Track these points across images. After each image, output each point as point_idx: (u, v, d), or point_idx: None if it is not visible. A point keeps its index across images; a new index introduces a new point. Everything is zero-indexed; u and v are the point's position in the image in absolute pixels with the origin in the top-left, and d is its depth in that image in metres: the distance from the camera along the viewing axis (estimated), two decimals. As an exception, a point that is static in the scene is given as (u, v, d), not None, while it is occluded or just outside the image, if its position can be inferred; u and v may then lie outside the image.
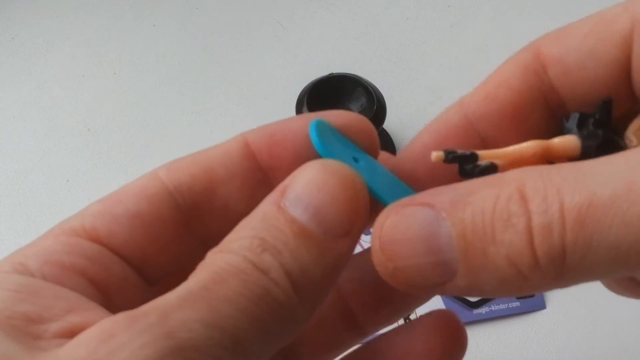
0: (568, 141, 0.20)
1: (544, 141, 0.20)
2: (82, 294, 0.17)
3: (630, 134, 0.20)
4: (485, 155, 0.20)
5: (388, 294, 0.21)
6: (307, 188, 0.17)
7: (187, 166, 0.20)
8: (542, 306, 0.49)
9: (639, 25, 0.18)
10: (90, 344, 0.15)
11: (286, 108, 0.56)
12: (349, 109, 0.53)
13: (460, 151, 0.20)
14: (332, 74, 0.53)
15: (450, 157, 0.20)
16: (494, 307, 0.49)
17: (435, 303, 0.49)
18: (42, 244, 0.19)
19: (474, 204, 0.16)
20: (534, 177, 0.16)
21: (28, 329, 0.16)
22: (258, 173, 0.20)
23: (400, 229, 0.17)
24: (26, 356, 0.15)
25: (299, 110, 0.51)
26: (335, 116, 0.20)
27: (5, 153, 0.58)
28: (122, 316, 0.15)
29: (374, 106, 0.50)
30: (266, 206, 0.17)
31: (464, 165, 0.20)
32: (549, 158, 0.20)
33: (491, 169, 0.20)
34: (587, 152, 0.20)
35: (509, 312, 0.49)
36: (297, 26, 0.65)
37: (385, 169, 0.22)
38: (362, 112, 0.51)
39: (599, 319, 0.49)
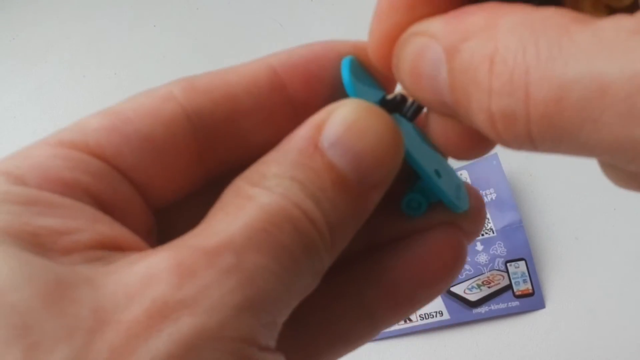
0: None
1: None
2: None
3: None
4: None
5: (407, 291, 0.20)
6: (350, 131, 0.16)
7: (209, 90, 0.18)
8: (541, 306, 0.49)
9: None
10: (171, 278, 0.14)
11: (286, 108, 0.57)
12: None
13: (389, 96, 0.19)
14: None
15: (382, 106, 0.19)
16: (494, 306, 0.49)
17: (436, 302, 0.49)
18: (36, 155, 0.17)
19: (462, 54, 0.15)
20: (512, 40, 0.14)
21: (57, 244, 0.14)
22: (287, 107, 0.18)
23: (411, 64, 0.16)
24: (82, 282, 0.13)
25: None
26: (359, 48, 0.19)
27: (5, 153, 0.58)
28: (190, 248, 0.14)
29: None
30: (301, 142, 0.16)
31: (396, 111, 0.20)
32: None
33: (419, 109, 0.19)
34: None
35: (509, 312, 0.49)
36: (297, 26, 0.65)
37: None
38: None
39: (599, 318, 0.49)
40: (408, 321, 0.48)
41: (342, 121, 0.16)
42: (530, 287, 0.50)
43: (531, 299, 0.49)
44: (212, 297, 0.13)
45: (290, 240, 0.15)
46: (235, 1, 0.68)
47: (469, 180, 0.53)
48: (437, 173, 0.23)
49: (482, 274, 0.50)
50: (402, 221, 0.20)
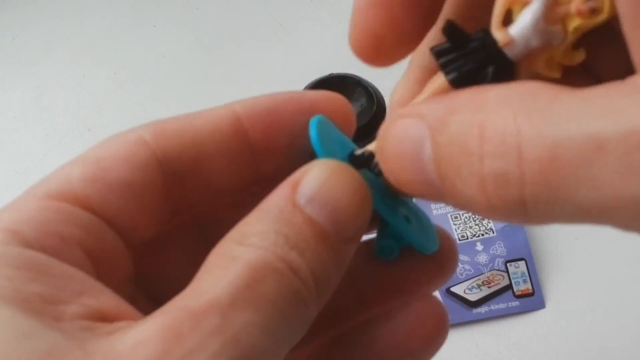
0: (433, 84, 0.18)
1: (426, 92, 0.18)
2: (81, 268, 0.17)
3: (495, 30, 0.17)
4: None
5: (398, 278, 0.22)
6: (324, 188, 0.17)
7: (177, 135, 0.19)
8: (541, 306, 0.49)
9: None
10: (158, 343, 0.14)
11: (286, 108, 0.57)
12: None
13: (358, 152, 0.20)
14: (332, 74, 0.53)
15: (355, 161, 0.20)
16: (494, 306, 0.49)
17: (435, 303, 0.49)
18: (29, 209, 0.17)
19: (450, 127, 0.15)
20: (503, 110, 0.14)
21: (47, 312, 0.15)
22: (247, 153, 0.20)
23: (395, 144, 0.17)
24: (74, 348, 0.14)
25: (299, 110, 0.51)
26: (320, 100, 0.20)
27: (5, 153, 0.58)
28: (178, 312, 0.15)
29: (374, 106, 0.50)
30: (280, 201, 0.17)
31: (365, 166, 0.20)
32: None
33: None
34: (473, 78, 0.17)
35: (509, 312, 0.49)
36: (297, 26, 0.65)
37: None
38: (362, 112, 0.51)
39: (599, 318, 0.49)
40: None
41: (316, 179, 0.17)
42: (530, 287, 0.50)
43: (531, 299, 0.49)
44: (197, 359, 0.14)
45: (274, 291, 0.15)
46: (235, 1, 0.68)
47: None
48: (407, 218, 0.24)
49: (482, 274, 0.50)
50: (388, 277, 0.22)
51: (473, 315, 0.49)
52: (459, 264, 0.50)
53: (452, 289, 0.50)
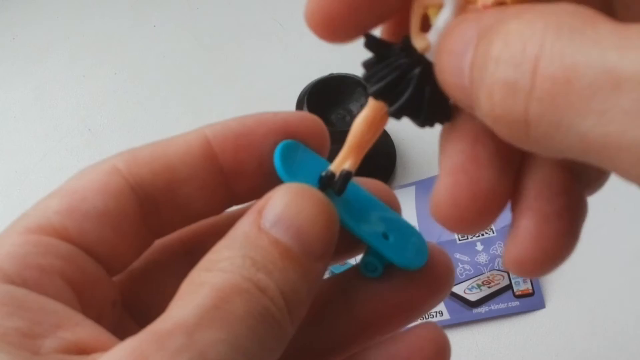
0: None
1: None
2: (62, 298, 0.17)
3: (414, 37, 0.17)
4: None
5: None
6: (287, 210, 0.18)
7: (148, 162, 0.20)
8: (541, 306, 0.49)
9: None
10: None
11: (286, 108, 0.57)
12: (349, 109, 0.53)
13: (323, 174, 0.21)
14: (332, 74, 0.53)
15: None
16: (494, 306, 0.49)
17: (435, 303, 0.49)
18: (9, 244, 0.18)
19: (488, 37, 0.14)
20: (535, 22, 0.14)
21: (24, 346, 0.15)
22: (219, 175, 0.20)
23: (451, 43, 0.16)
24: None
25: (299, 110, 0.51)
26: (292, 121, 0.21)
27: (5, 153, 0.58)
28: (146, 335, 0.15)
29: (374, 106, 0.50)
30: (245, 227, 0.18)
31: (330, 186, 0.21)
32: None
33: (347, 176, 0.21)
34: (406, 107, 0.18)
35: (509, 312, 0.49)
36: (297, 26, 0.65)
37: (354, 184, 0.23)
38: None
39: (599, 319, 0.49)
40: (408, 321, 0.48)
41: (280, 203, 0.18)
42: (530, 287, 0.50)
43: (531, 299, 0.49)
44: None
45: (242, 310, 0.16)
46: (235, 1, 0.68)
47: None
48: (385, 236, 0.24)
49: (482, 274, 0.50)
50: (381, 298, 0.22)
51: (473, 315, 0.49)
52: (459, 263, 0.50)
53: (452, 289, 0.50)
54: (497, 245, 0.51)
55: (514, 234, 0.19)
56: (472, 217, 0.18)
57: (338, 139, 0.43)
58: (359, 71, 0.20)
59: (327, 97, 0.51)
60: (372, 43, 0.19)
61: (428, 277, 0.22)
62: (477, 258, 0.51)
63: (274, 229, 0.18)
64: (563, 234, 0.18)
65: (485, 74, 0.14)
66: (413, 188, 0.53)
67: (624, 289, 0.50)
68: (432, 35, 0.17)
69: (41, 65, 0.63)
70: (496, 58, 0.14)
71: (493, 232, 0.51)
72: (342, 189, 0.22)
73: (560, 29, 0.13)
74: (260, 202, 0.18)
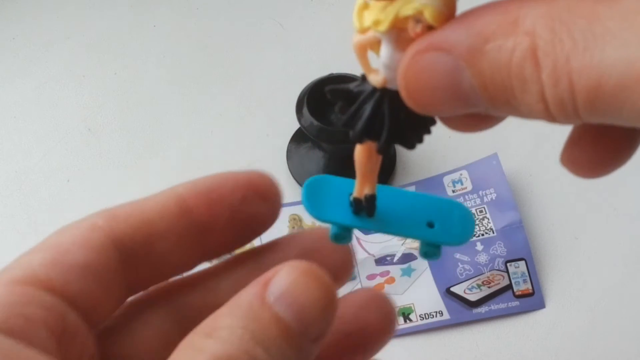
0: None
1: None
2: (46, 349, 0.18)
3: (368, 76, 0.20)
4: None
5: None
6: (292, 288, 0.19)
7: (127, 218, 0.21)
8: (541, 306, 0.49)
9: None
10: None
11: (286, 108, 0.57)
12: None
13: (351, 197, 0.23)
14: (332, 74, 0.53)
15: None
16: (494, 306, 0.49)
17: (436, 302, 0.49)
18: None
19: (490, 54, 0.16)
20: (546, 33, 0.15)
21: None
22: (193, 229, 0.22)
23: (424, 78, 0.17)
24: None
25: (299, 110, 0.51)
26: (251, 178, 0.23)
27: (5, 153, 0.58)
28: None
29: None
30: (250, 297, 0.19)
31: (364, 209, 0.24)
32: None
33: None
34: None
35: (509, 312, 0.49)
36: (297, 26, 0.65)
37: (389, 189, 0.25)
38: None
39: (599, 319, 0.49)
40: (408, 321, 0.48)
41: (285, 279, 0.19)
42: (530, 287, 0.50)
43: (531, 299, 0.49)
44: None
45: None
46: (235, 1, 0.68)
47: (469, 180, 0.53)
48: (430, 224, 0.26)
49: (482, 274, 0.50)
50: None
51: (473, 315, 0.49)
52: (459, 263, 0.50)
53: (452, 289, 0.50)
54: (497, 245, 0.51)
55: (574, 136, 0.20)
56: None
57: (338, 139, 0.45)
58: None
59: (327, 97, 0.51)
60: (334, 93, 0.21)
61: (367, 329, 0.24)
62: (477, 258, 0.51)
63: (277, 304, 0.18)
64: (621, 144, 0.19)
65: (531, 95, 0.16)
66: (413, 188, 0.53)
67: (624, 289, 0.50)
68: (382, 70, 0.19)
69: (41, 65, 0.63)
70: (536, 80, 0.16)
71: (493, 232, 0.51)
72: (372, 211, 0.25)
73: (574, 38, 0.15)
74: (267, 274, 0.19)
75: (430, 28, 0.17)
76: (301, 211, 0.54)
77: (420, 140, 0.21)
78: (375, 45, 0.19)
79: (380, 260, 0.50)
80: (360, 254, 0.50)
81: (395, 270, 0.50)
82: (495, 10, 0.16)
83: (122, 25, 0.66)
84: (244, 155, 0.57)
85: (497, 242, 0.51)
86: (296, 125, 0.54)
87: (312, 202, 0.25)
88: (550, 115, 0.16)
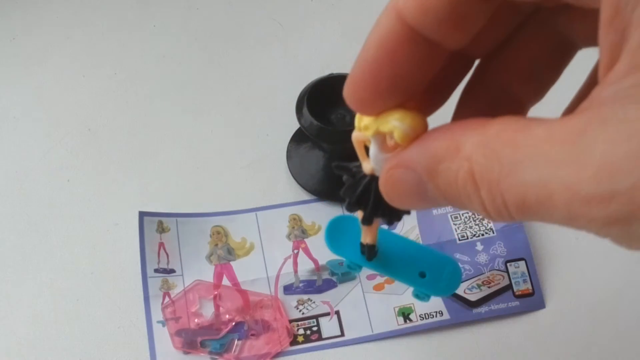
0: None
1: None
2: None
3: (363, 164, 0.26)
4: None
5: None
6: None
7: None
8: (541, 306, 0.49)
9: None
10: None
11: (286, 108, 0.57)
12: (349, 109, 0.53)
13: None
14: (332, 74, 0.53)
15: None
16: (494, 306, 0.49)
17: (436, 303, 0.49)
18: None
19: (442, 174, 0.20)
20: (480, 159, 0.19)
21: None
22: None
23: (397, 188, 0.23)
24: None
25: (299, 110, 0.51)
26: None
27: (5, 153, 0.58)
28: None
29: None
30: None
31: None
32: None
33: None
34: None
35: (509, 312, 0.49)
36: (297, 26, 0.65)
37: (391, 234, 0.35)
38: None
39: (599, 318, 0.49)
40: (408, 321, 0.48)
41: None
42: (530, 287, 0.50)
43: (531, 299, 0.49)
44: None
45: None
46: (235, 1, 0.68)
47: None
48: (422, 274, 0.34)
49: (482, 273, 0.50)
50: None
51: (473, 315, 0.49)
52: (459, 264, 0.50)
53: (452, 289, 0.50)
54: (497, 245, 0.51)
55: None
56: (381, 97, 0.23)
57: (338, 139, 0.47)
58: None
59: (327, 97, 0.51)
60: (339, 170, 0.28)
61: None
62: (477, 258, 0.51)
63: None
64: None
65: (475, 206, 0.20)
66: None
67: (624, 289, 0.50)
68: (372, 161, 0.25)
69: (41, 65, 0.63)
70: (477, 196, 0.20)
71: (493, 232, 0.51)
72: (371, 257, 0.33)
73: (501, 163, 0.19)
74: None
75: (397, 146, 0.23)
76: (301, 211, 0.54)
77: (399, 219, 0.27)
78: (367, 141, 0.25)
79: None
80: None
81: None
82: (445, 135, 0.21)
83: (122, 25, 0.66)
84: (244, 155, 0.57)
85: (497, 242, 0.51)
86: (296, 125, 0.54)
87: (332, 239, 0.34)
88: (492, 218, 0.20)
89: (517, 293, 0.49)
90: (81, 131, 0.59)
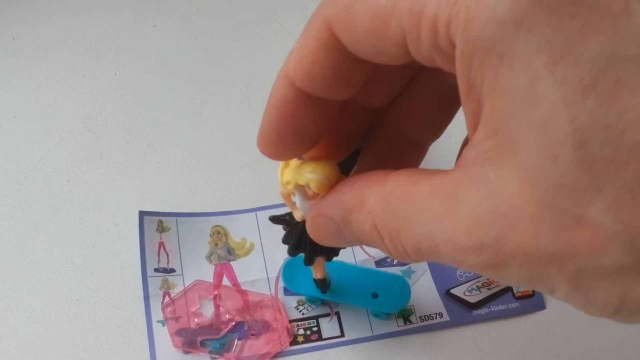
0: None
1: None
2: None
3: (294, 213, 0.30)
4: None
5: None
6: None
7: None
8: (541, 306, 0.49)
9: (411, 33, 0.20)
10: None
11: (286, 108, 0.57)
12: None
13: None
14: (332, 74, 0.53)
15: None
16: (494, 307, 0.49)
17: (436, 304, 0.49)
18: None
19: (353, 224, 0.24)
20: (381, 213, 0.22)
21: None
22: None
23: (320, 233, 0.26)
24: None
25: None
26: None
27: (5, 153, 0.58)
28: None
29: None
30: None
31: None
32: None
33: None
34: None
35: (509, 313, 0.49)
36: (297, 26, 0.65)
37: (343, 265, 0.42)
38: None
39: (599, 320, 0.49)
40: (408, 323, 0.48)
41: None
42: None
43: (531, 300, 0.49)
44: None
45: None
46: (235, 1, 0.68)
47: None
48: (374, 295, 0.41)
49: (482, 275, 0.50)
50: None
51: (473, 316, 0.49)
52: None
53: (452, 291, 0.50)
54: (497, 246, 0.51)
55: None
56: (290, 147, 0.26)
57: None
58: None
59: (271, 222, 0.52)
60: (275, 220, 0.34)
61: None
62: (477, 259, 0.51)
63: None
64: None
65: (381, 248, 0.23)
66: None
67: (624, 289, 0.50)
68: (300, 210, 0.28)
69: (41, 65, 0.63)
70: (384, 245, 0.23)
71: (493, 233, 0.51)
72: (325, 290, 0.40)
73: (397, 216, 0.22)
74: None
75: (316, 195, 0.26)
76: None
77: (337, 254, 0.33)
78: (292, 193, 0.28)
79: (380, 262, 0.50)
80: (360, 256, 0.50)
81: (395, 272, 0.50)
82: (352, 189, 0.24)
83: (122, 25, 0.66)
84: (244, 155, 0.57)
85: (497, 242, 0.51)
86: (296, 126, 0.54)
87: (288, 279, 0.43)
88: (399, 260, 0.23)
89: (517, 294, 0.49)
90: (81, 131, 0.59)
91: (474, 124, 0.20)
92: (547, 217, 0.18)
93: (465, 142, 0.24)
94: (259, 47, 0.64)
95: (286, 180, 0.27)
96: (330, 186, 0.25)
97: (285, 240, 0.33)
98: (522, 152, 0.18)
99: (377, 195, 0.22)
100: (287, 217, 0.32)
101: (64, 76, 0.62)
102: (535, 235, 0.18)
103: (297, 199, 0.27)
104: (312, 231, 0.27)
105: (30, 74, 0.62)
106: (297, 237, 0.32)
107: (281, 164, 0.28)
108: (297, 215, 0.28)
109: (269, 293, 0.49)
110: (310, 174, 0.25)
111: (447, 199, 0.20)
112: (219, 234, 0.52)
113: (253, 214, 0.53)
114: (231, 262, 0.51)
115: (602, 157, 0.17)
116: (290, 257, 0.35)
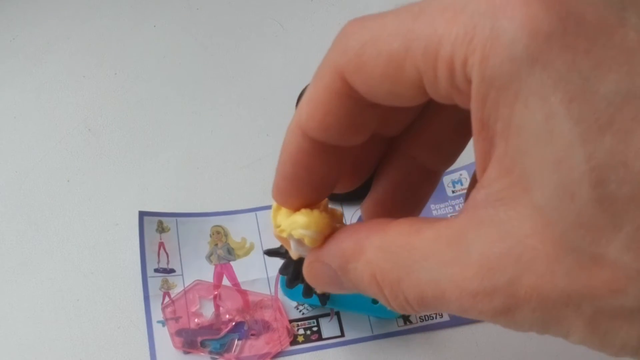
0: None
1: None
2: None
3: (290, 252, 0.28)
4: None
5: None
6: None
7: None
8: (541, 306, 0.49)
9: (428, 73, 0.20)
10: None
11: (286, 108, 0.57)
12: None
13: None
14: (332, 74, 0.53)
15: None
16: (494, 307, 0.49)
17: (435, 303, 0.49)
18: None
19: (351, 272, 0.23)
20: (381, 262, 0.22)
21: None
22: None
23: (318, 279, 0.26)
24: None
25: (298, 111, 0.51)
26: None
27: (5, 153, 0.58)
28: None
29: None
30: None
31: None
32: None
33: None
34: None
35: (509, 312, 0.49)
36: (297, 26, 0.65)
37: None
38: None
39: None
40: (408, 323, 0.48)
41: None
42: (530, 288, 0.50)
43: (531, 300, 0.49)
44: None
45: None
46: (235, 1, 0.68)
47: (467, 180, 0.53)
48: (374, 301, 0.41)
49: (482, 274, 0.50)
50: None
51: (473, 315, 0.49)
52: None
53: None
54: (497, 246, 0.51)
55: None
56: (301, 198, 0.26)
57: None
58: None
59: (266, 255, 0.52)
60: (270, 253, 0.36)
61: None
62: (477, 258, 0.51)
63: None
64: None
65: (381, 299, 0.23)
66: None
67: (624, 289, 0.50)
68: (297, 251, 0.28)
69: (41, 65, 0.63)
70: (384, 296, 0.23)
71: (493, 233, 0.51)
72: (324, 303, 0.41)
73: (398, 267, 0.21)
74: None
75: (304, 243, 0.26)
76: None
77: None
78: (291, 237, 0.27)
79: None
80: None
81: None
82: (351, 237, 0.24)
83: (122, 25, 0.66)
84: (244, 155, 0.57)
85: (497, 242, 0.51)
86: (296, 126, 0.54)
87: (289, 289, 0.42)
88: (398, 312, 0.23)
89: (517, 293, 0.49)
90: (81, 131, 0.59)
91: (483, 165, 0.19)
92: (564, 257, 0.17)
93: (473, 184, 0.23)
94: (259, 47, 0.64)
95: (279, 225, 0.27)
96: (325, 238, 0.25)
97: (282, 272, 0.33)
98: (536, 192, 0.18)
99: (378, 244, 0.22)
100: (284, 251, 0.31)
101: (64, 76, 0.62)
102: (551, 277, 0.18)
103: (291, 241, 0.27)
104: (309, 277, 0.26)
105: (30, 74, 0.62)
106: (295, 270, 0.33)
107: (273, 205, 0.28)
108: (294, 254, 0.28)
109: (269, 293, 0.49)
110: (304, 230, 0.25)
111: (455, 244, 0.20)
112: (219, 234, 0.52)
113: (253, 214, 0.53)
114: (231, 262, 0.51)
115: (621, 196, 0.16)
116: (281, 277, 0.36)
